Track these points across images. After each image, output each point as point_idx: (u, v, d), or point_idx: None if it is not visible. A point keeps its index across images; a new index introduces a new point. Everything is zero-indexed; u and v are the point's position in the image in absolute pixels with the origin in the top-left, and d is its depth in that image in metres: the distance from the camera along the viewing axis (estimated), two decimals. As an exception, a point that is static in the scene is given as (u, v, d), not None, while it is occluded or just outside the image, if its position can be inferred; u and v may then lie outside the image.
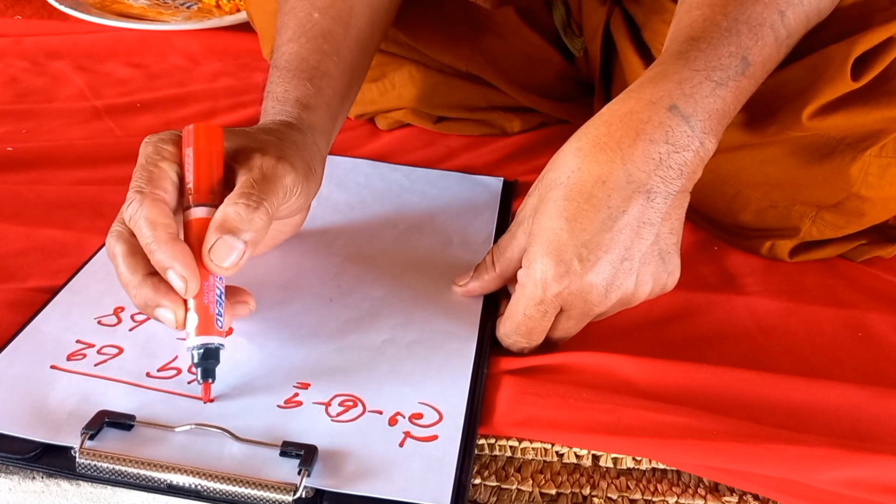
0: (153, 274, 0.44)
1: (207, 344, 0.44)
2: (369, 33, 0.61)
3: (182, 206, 0.46)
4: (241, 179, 0.45)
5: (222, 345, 0.45)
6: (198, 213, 0.45)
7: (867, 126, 0.55)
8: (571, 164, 0.47)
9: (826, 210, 0.59)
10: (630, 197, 0.45)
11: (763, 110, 0.56)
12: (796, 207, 0.60)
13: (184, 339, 0.48)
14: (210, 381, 0.44)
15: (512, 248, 0.50)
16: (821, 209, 0.59)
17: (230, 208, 0.44)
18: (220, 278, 0.45)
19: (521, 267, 0.48)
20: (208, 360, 0.44)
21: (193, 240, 0.45)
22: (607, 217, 0.45)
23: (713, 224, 0.66)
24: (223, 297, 0.45)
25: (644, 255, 0.46)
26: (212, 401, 0.45)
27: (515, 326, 0.48)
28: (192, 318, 0.44)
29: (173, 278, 0.43)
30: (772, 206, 0.61)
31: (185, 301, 0.44)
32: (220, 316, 0.45)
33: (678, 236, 0.48)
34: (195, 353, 0.44)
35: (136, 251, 0.44)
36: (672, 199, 0.46)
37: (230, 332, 0.49)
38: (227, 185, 0.46)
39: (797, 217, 0.60)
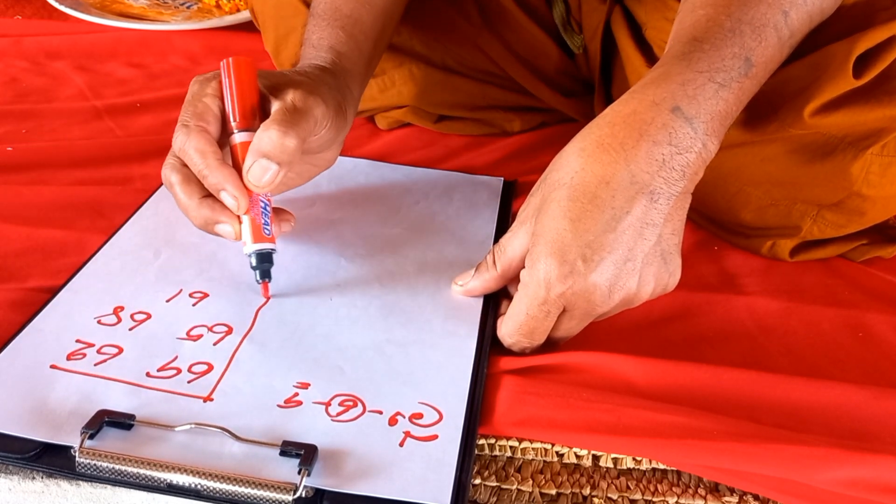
0: (208, 196, 0.51)
1: (261, 249, 0.51)
2: None
3: (226, 133, 0.52)
4: (275, 109, 0.50)
5: (274, 249, 0.52)
6: (240, 137, 0.51)
7: (868, 124, 0.55)
8: (575, 164, 0.47)
9: (827, 209, 0.59)
10: (633, 198, 0.45)
11: (764, 108, 0.57)
12: (797, 206, 0.60)
13: (182, 338, 0.49)
14: (267, 280, 0.52)
15: (514, 247, 0.50)
16: (822, 208, 0.59)
17: (264, 134, 0.49)
18: (267, 192, 0.52)
19: (522, 267, 0.48)
20: (263, 262, 0.52)
21: (238, 162, 0.51)
22: (611, 218, 0.45)
23: (714, 223, 0.66)
24: (269, 208, 0.52)
25: (647, 256, 0.46)
26: (267, 297, 0.53)
27: (518, 326, 0.48)
28: (246, 230, 0.51)
29: (226, 198, 0.50)
30: (772, 205, 0.61)
31: (239, 217, 0.51)
32: (268, 225, 0.52)
33: (680, 237, 0.48)
34: (252, 257, 0.52)
35: (190, 178, 0.51)
36: (674, 200, 0.46)
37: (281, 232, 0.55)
38: (264, 115, 0.52)
39: (798, 216, 0.60)
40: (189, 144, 0.49)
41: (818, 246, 0.63)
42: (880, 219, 0.61)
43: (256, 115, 0.52)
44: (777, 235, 0.62)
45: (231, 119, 0.51)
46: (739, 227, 0.64)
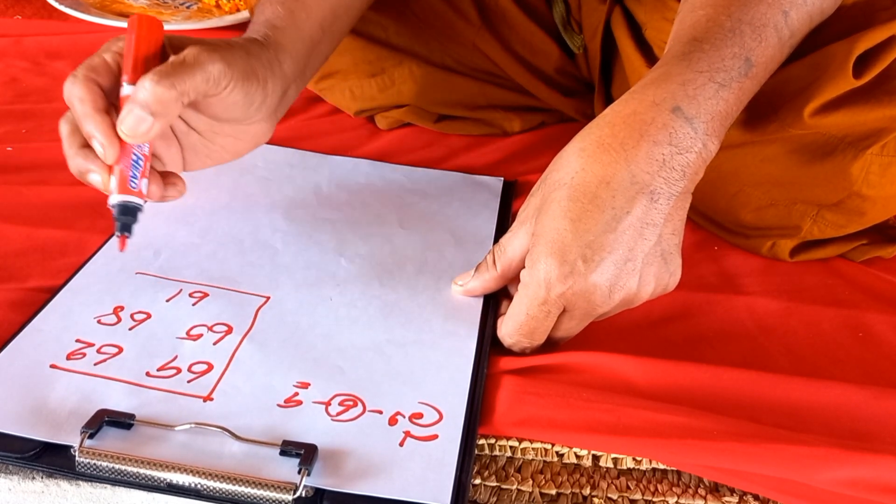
0: (86, 145, 0.50)
1: (124, 202, 0.50)
2: None
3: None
4: (165, 62, 0.49)
5: (139, 205, 0.51)
6: (126, 90, 0.50)
7: (868, 125, 0.55)
8: (575, 164, 0.47)
9: (827, 209, 0.59)
10: (634, 198, 0.45)
11: (764, 108, 0.57)
12: (797, 206, 0.60)
13: (182, 338, 0.49)
14: (126, 235, 0.51)
15: (514, 247, 0.50)
16: (822, 208, 0.59)
17: (139, 84, 0.48)
18: (144, 146, 0.51)
19: (522, 267, 0.48)
20: (125, 215, 0.50)
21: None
22: (611, 218, 0.45)
23: (714, 223, 0.66)
24: (142, 162, 0.51)
25: (647, 256, 0.46)
26: (123, 250, 0.51)
27: (518, 326, 0.48)
28: (114, 181, 0.50)
29: (95, 145, 0.49)
30: (772, 205, 0.61)
31: (111, 168, 0.50)
32: (135, 178, 0.50)
33: (680, 237, 0.48)
34: (114, 209, 0.50)
35: (76, 129, 0.51)
36: (675, 200, 0.46)
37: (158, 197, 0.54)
38: None
39: (798, 216, 0.60)
40: (72, 93, 0.49)
41: (818, 246, 0.63)
42: (880, 219, 0.61)
43: (150, 69, 0.50)
44: (777, 235, 0.62)
45: (123, 73, 0.51)
46: (739, 227, 0.64)
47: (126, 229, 0.50)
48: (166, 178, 0.54)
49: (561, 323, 0.49)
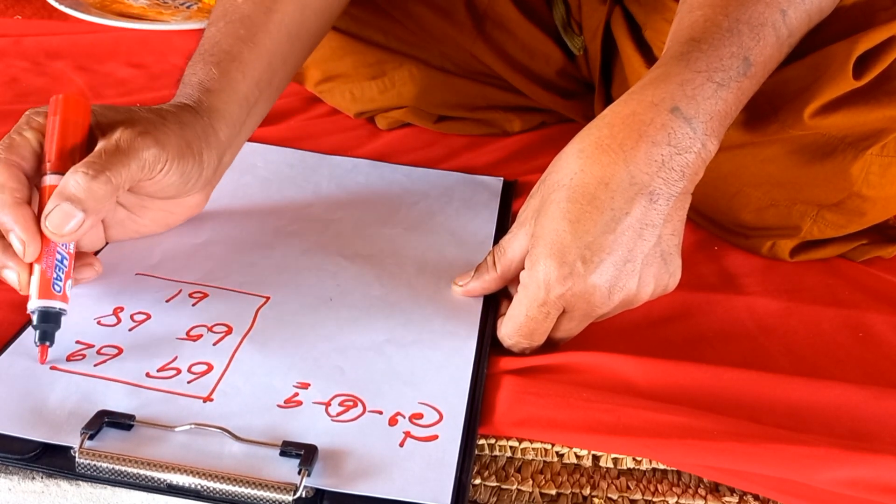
0: (2, 237, 0.46)
1: (45, 307, 0.45)
2: (298, 19, 0.59)
3: (41, 174, 0.47)
4: (96, 149, 0.46)
5: (63, 310, 0.46)
6: (50, 180, 0.46)
7: (868, 125, 0.55)
8: (574, 165, 0.47)
9: (827, 209, 0.59)
10: (633, 199, 0.45)
11: (764, 109, 0.57)
12: (797, 207, 0.60)
13: (182, 339, 0.49)
14: (48, 343, 0.45)
15: (513, 248, 0.50)
16: (822, 208, 0.59)
17: (71, 176, 0.45)
18: (69, 244, 0.47)
19: (522, 268, 0.48)
20: (46, 322, 0.45)
21: (43, 206, 0.46)
22: (610, 219, 0.45)
23: (714, 224, 0.66)
24: (67, 262, 0.47)
25: (646, 257, 0.46)
26: (44, 363, 0.46)
27: (518, 327, 0.48)
28: (35, 283, 0.46)
29: (14, 241, 0.45)
30: (772, 205, 0.61)
31: (31, 265, 0.46)
32: (59, 281, 0.46)
33: (679, 237, 0.48)
34: (34, 315, 0.45)
35: None
36: (674, 200, 0.46)
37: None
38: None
39: (798, 216, 0.60)
40: None
41: (818, 246, 0.63)
42: (880, 219, 0.61)
43: (77, 157, 0.47)
44: (777, 236, 0.62)
45: (46, 159, 0.47)
46: (739, 227, 0.64)
47: (47, 338, 0.45)
48: (79, 258, 0.50)
49: (560, 324, 0.49)
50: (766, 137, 0.57)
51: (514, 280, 0.50)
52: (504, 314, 0.50)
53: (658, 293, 0.48)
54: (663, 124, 0.46)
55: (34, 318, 0.46)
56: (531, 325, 0.48)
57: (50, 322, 0.46)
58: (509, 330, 0.49)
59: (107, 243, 0.56)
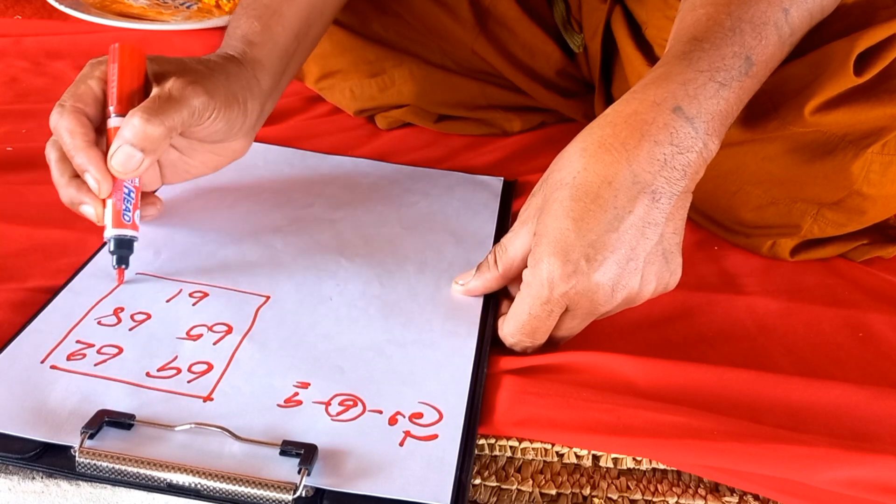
0: (77, 176, 0.52)
1: (119, 235, 0.52)
2: None
3: (106, 118, 0.53)
4: (150, 96, 0.51)
5: (134, 237, 0.52)
6: (114, 122, 0.52)
7: (869, 123, 0.55)
8: (577, 164, 0.47)
9: (827, 208, 0.59)
10: (636, 197, 0.45)
11: (765, 106, 0.57)
12: (797, 205, 0.60)
13: (182, 338, 0.49)
14: (124, 266, 0.52)
15: (515, 247, 0.50)
16: (822, 207, 0.59)
17: (129, 120, 0.49)
18: (135, 179, 0.52)
19: (524, 266, 0.48)
20: (120, 248, 0.52)
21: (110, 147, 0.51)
22: (613, 217, 0.45)
23: (714, 223, 0.66)
24: (133, 195, 0.52)
25: (648, 255, 0.46)
26: (122, 283, 0.53)
27: (520, 326, 0.49)
28: (108, 215, 0.52)
29: (89, 180, 0.51)
30: (773, 204, 0.61)
31: (104, 201, 0.52)
32: (129, 212, 0.52)
33: (680, 236, 0.48)
34: (110, 242, 0.52)
35: (65, 157, 0.52)
36: (676, 199, 0.46)
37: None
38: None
39: (798, 215, 0.60)
40: (61, 124, 0.50)
41: (819, 245, 0.63)
42: (880, 217, 0.61)
43: (136, 101, 0.52)
44: (777, 234, 0.62)
45: (109, 103, 0.52)
46: (740, 225, 0.64)
47: (123, 262, 0.52)
48: (143, 198, 0.55)
49: (563, 322, 0.49)
50: (767, 134, 0.57)
51: (516, 279, 0.50)
52: (505, 314, 0.50)
53: (659, 291, 0.48)
54: (665, 124, 0.46)
55: (111, 245, 0.52)
56: (534, 323, 0.48)
57: (124, 248, 0.52)
58: (511, 328, 0.49)
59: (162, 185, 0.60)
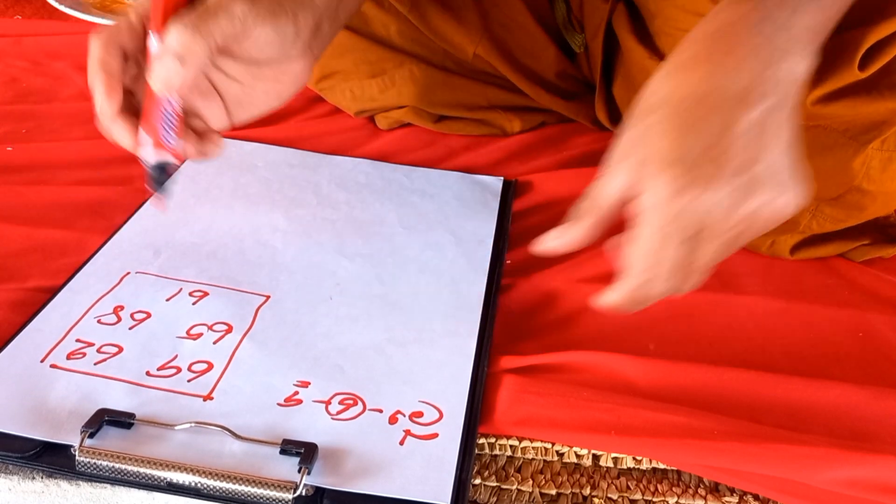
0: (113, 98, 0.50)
1: (159, 160, 0.50)
2: None
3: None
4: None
5: (176, 164, 0.51)
6: (156, 47, 0.49)
7: (869, 117, 0.55)
8: (668, 84, 0.45)
9: (826, 203, 0.59)
10: (733, 109, 0.43)
11: None
12: None
13: (182, 337, 0.49)
14: (163, 194, 0.52)
15: (614, 185, 0.46)
16: (821, 203, 0.59)
17: (168, 32, 0.47)
18: (174, 104, 0.50)
19: (625, 205, 0.45)
20: (162, 174, 0.51)
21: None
22: (718, 129, 0.43)
23: None
24: (175, 120, 0.50)
25: (759, 170, 0.44)
26: (164, 210, 0.53)
27: (644, 259, 0.45)
28: (147, 139, 0.50)
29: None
30: None
31: (140, 124, 0.50)
32: (169, 135, 0.50)
33: (791, 154, 0.45)
34: (148, 168, 0.50)
35: (112, 80, 0.50)
36: (775, 112, 0.44)
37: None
38: None
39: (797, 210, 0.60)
40: (94, 57, 0.50)
41: (819, 244, 0.63)
42: (879, 214, 0.61)
43: None
44: (776, 232, 0.62)
45: (150, 27, 0.50)
46: None
47: (161, 187, 0.51)
48: (205, 136, 0.54)
49: (695, 252, 0.45)
50: None
51: (619, 224, 0.47)
52: (623, 269, 0.46)
53: (780, 208, 0.45)
54: (753, 36, 0.44)
55: (149, 171, 0.50)
56: (658, 254, 0.45)
57: (164, 174, 0.51)
58: (637, 268, 0.45)
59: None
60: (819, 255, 0.63)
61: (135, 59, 0.51)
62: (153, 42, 0.49)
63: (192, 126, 0.53)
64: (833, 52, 0.53)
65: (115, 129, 0.51)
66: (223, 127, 0.56)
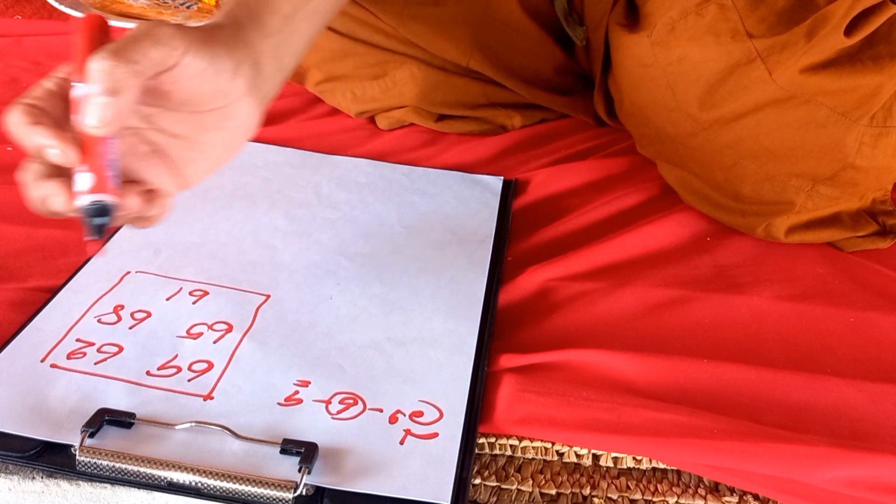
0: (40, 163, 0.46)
1: (100, 200, 0.44)
2: None
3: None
4: None
5: (116, 204, 0.44)
6: (81, 90, 0.44)
7: (856, 91, 0.55)
8: None
9: (821, 183, 0.60)
10: None
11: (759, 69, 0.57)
12: (792, 181, 0.60)
13: (182, 337, 0.49)
14: (100, 238, 0.44)
15: None
16: (816, 182, 0.60)
17: (90, 66, 0.43)
18: (114, 149, 0.45)
19: None
20: (100, 216, 0.44)
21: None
22: None
23: (711, 203, 0.65)
24: (117, 164, 0.45)
25: None
26: (101, 255, 0.46)
27: None
28: (88, 179, 0.44)
29: (52, 152, 0.45)
30: (768, 180, 0.61)
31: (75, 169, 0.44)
32: (112, 176, 0.44)
33: None
34: (87, 209, 0.44)
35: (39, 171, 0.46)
36: None
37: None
38: None
39: (793, 191, 0.60)
40: (10, 120, 0.46)
41: (814, 227, 0.63)
42: (871, 190, 0.62)
43: None
44: (772, 213, 0.62)
45: (74, 77, 0.46)
46: (736, 202, 0.63)
47: (98, 232, 0.44)
48: (153, 197, 0.48)
49: None
50: (762, 98, 0.58)
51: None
52: None
53: None
54: None
55: (86, 212, 0.44)
56: None
57: (103, 215, 0.44)
58: None
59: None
60: (813, 240, 0.63)
61: (58, 124, 0.46)
62: (78, 88, 0.45)
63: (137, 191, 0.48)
64: (819, 25, 0.54)
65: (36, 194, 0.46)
66: (176, 191, 0.51)
